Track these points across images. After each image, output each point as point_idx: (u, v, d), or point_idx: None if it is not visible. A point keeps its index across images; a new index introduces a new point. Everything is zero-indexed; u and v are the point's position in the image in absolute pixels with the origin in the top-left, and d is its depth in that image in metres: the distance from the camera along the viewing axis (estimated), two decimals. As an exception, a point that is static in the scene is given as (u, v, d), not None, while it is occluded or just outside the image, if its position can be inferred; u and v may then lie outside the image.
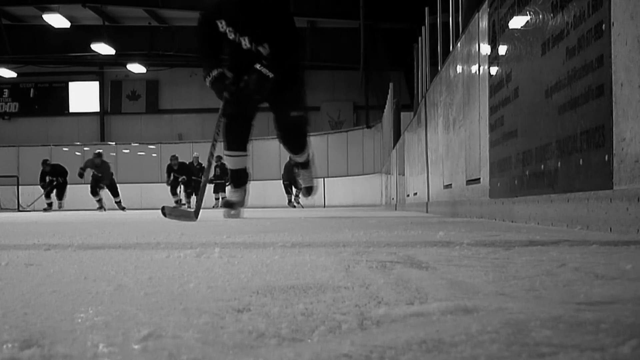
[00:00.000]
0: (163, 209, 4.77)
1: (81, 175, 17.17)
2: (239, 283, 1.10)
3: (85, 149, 25.07)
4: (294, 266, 1.35)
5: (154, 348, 0.63)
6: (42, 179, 18.12)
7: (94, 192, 17.52)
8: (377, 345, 0.62)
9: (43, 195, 18.18)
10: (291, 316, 0.78)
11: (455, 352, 0.59)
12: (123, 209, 17.65)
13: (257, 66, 5.03)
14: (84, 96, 28.01)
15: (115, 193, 17.89)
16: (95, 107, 28.05)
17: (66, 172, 18.25)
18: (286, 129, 5.77)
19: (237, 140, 5.61)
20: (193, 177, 20.16)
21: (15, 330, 0.72)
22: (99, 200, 17.60)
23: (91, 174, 17.56)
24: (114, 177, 18.24)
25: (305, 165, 6.37)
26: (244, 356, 0.60)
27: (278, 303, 0.88)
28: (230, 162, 5.83)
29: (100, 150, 18.22)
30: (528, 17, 3.47)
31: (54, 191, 18.16)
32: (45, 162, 18.40)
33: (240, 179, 5.84)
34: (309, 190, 6.53)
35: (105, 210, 17.03)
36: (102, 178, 17.54)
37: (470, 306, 0.81)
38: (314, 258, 1.51)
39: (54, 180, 18.01)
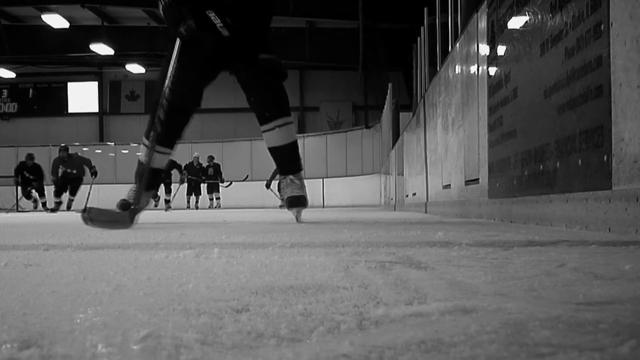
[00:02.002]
0: (85, 211, 3.52)
1: (56, 181, 15.79)
2: (238, 283, 1.10)
3: (84, 149, 25.03)
4: (293, 266, 1.35)
5: (153, 348, 0.63)
6: (19, 173, 16.77)
7: (59, 194, 15.87)
8: (376, 346, 0.62)
9: (23, 196, 16.93)
10: (290, 316, 0.78)
11: (454, 352, 0.59)
12: (68, 208, 15.84)
13: (211, 15, 4.05)
14: (83, 96, 28.01)
15: (74, 192, 16.13)
16: (94, 107, 28.05)
17: (43, 176, 16.93)
18: (255, 78, 4.33)
19: (172, 134, 4.50)
20: (193, 178, 20.17)
21: (14, 330, 0.72)
22: (59, 203, 15.94)
23: (60, 173, 15.98)
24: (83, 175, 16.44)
25: (290, 151, 4.56)
26: (243, 356, 0.60)
27: (277, 303, 0.88)
28: (156, 159, 4.47)
29: (64, 144, 16.69)
30: (527, 18, 3.47)
31: (34, 192, 16.90)
32: (29, 156, 16.95)
33: (156, 180, 4.79)
34: (295, 202, 4.56)
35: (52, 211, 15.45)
36: (75, 175, 15.89)
37: (469, 306, 0.81)
38: (313, 258, 1.51)
39: (32, 179, 16.65)
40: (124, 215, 3.69)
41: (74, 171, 16.03)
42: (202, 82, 4.45)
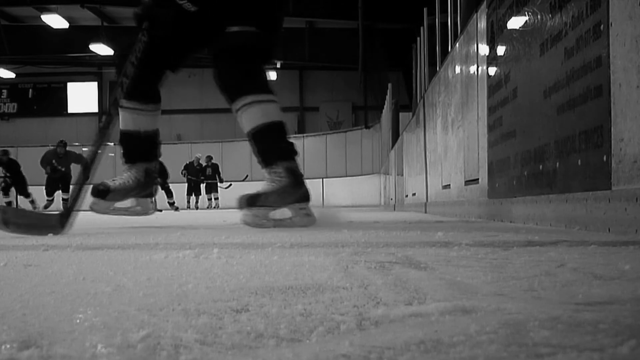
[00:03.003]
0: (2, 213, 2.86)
1: (48, 172, 15.07)
2: (237, 283, 1.10)
3: (84, 149, 25.01)
4: (293, 267, 1.35)
5: (153, 348, 0.63)
6: None
7: (50, 192, 15.42)
8: (375, 346, 0.62)
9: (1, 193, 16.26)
10: (290, 317, 0.78)
11: (454, 352, 0.59)
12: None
13: None
14: (82, 96, 28.02)
15: (66, 188, 15.32)
16: (93, 107, 28.05)
17: (18, 169, 16.45)
18: (221, 52, 3.61)
19: (147, 87, 3.75)
20: (193, 178, 20.16)
21: (13, 330, 0.72)
22: (51, 201, 15.48)
23: (48, 168, 15.46)
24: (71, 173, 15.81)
25: (263, 138, 3.53)
26: (243, 356, 0.60)
27: (277, 303, 0.88)
28: (135, 120, 3.78)
29: (63, 140, 16.07)
30: (526, 18, 3.47)
31: (11, 188, 16.42)
32: (4, 152, 16.50)
33: (148, 148, 3.89)
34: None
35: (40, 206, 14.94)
36: (64, 174, 15.41)
37: (469, 306, 0.81)
38: (313, 258, 1.51)
39: (7, 176, 16.17)
40: (50, 218, 3.03)
41: (63, 169, 15.64)
42: (169, 64, 3.83)
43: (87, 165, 3.33)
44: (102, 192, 3.75)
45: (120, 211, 4.02)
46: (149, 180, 3.91)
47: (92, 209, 3.77)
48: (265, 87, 3.64)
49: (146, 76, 3.62)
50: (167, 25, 3.58)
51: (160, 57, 3.68)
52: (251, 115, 3.53)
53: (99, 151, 3.35)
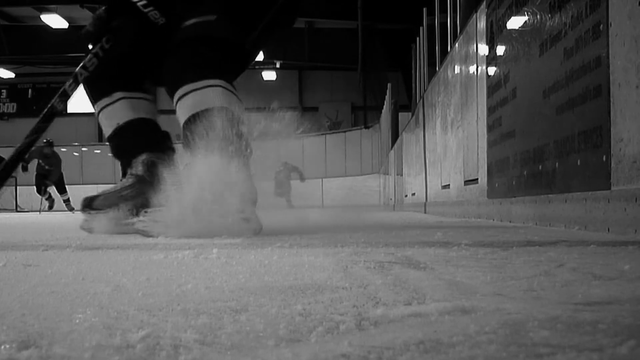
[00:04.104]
0: None
1: (25, 168, 13.97)
2: (237, 284, 1.10)
3: (83, 149, 25.07)
4: (292, 267, 1.35)
5: (152, 349, 0.63)
6: None
7: (40, 191, 14.99)
8: (375, 346, 0.62)
9: None
10: (289, 317, 0.78)
11: (453, 352, 0.59)
12: (72, 209, 14.52)
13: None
14: (82, 97, 27.98)
15: (62, 190, 15.24)
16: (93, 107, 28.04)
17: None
18: (172, 46, 2.99)
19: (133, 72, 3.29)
20: None
21: (13, 330, 0.72)
22: (48, 198, 15.13)
23: (36, 167, 14.95)
24: (62, 172, 15.60)
25: (192, 124, 2.83)
26: (242, 357, 0.60)
27: (276, 304, 0.88)
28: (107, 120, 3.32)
29: (51, 139, 15.33)
30: (526, 18, 3.47)
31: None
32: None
33: (120, 143, 3.34)
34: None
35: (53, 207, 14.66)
36: (50, 173, 15.00)
37: (468, 306, 0.81)
38: (312, 259, 1.51)
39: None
40: None
41: (51, 168, 15.28)
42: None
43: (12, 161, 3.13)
44: (87, 201, 3.23)
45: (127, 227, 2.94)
46: (152, 173, 3.07)
47: (82, 228, 3.21)
48: (210, 72, 2.92)
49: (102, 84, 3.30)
50: (130, 38, 3.19)
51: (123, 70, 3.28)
52: (186, 106, 2.92)
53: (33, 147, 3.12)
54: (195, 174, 2.66)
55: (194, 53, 2.96)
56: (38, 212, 14.79)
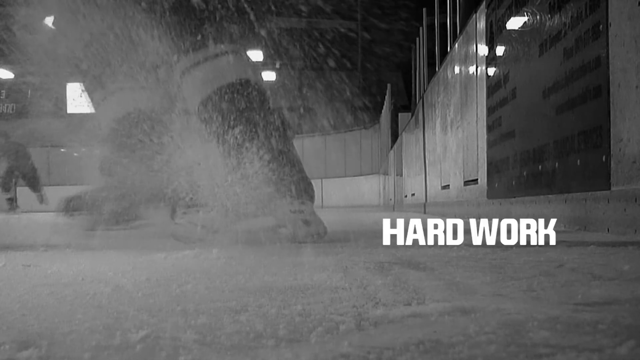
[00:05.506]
0: None
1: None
2: (236, 284, 1.10)
3: (83, 149, 25.00)
4: (292, 267, 1.35)
5: (152, 349, 0.63)
6: None
7: (6, 187, 13.93)
8: (374, 346, 0.62)
9: None
10: (289, 317, 0.78)
11: (453, 352, 0.59)
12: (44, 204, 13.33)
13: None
14: (81, 97, 28.00)
15: (34, 185, 14.19)
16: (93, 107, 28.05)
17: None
18: None
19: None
20: None
21: (12, 331, 0.72)
22: (10, 200, 13.98)
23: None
24: (34, 165, 14.49)
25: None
26: (242, 357, 0.60)
27: (276, 304, 0.88)
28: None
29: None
30: (525, 18, 3.47)
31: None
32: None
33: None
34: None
35: (18, 210, 13.68)
36: (17, 167, 14.10)
37: (468, 307, 0.81)
38: (312, 259, 1.51)
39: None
40: None
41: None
42: None
43: None
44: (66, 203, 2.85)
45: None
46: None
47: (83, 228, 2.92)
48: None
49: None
50: None
51: None
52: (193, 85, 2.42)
53: None
54: (238, 167, 2.24)
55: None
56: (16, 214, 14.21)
